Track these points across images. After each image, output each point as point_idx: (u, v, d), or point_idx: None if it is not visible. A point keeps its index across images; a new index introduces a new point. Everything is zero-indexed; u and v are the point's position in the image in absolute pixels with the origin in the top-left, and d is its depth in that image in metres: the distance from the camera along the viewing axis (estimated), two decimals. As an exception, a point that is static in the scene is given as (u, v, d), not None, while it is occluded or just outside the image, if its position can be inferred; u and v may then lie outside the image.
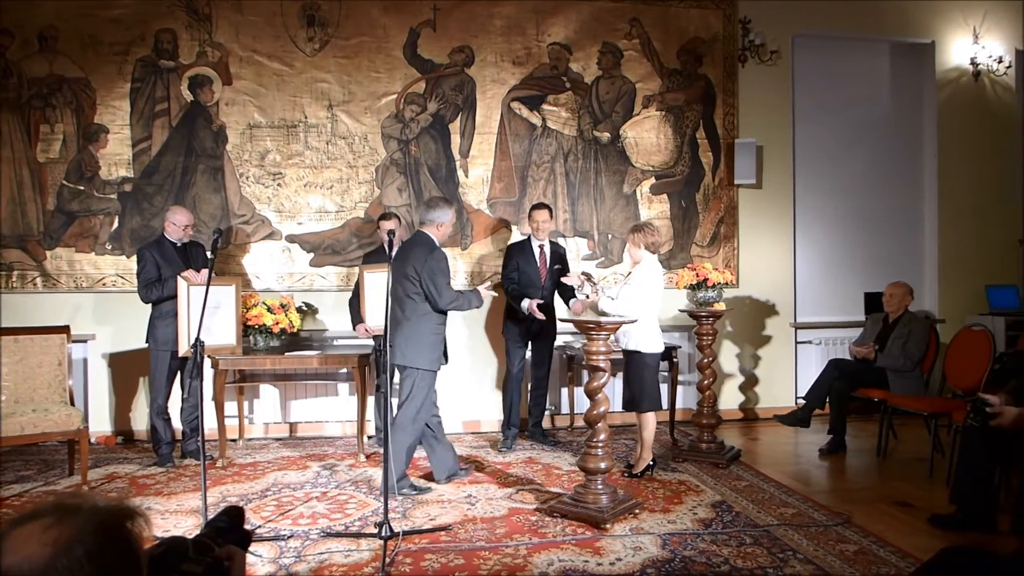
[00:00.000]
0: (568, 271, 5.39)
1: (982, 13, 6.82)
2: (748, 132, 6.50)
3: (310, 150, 5.90)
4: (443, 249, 4.38)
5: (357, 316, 5.26)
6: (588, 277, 4.58)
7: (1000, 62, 6.78)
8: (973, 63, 6.81)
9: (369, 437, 5.53)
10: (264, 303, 5.22)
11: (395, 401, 4.67)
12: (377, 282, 5.03)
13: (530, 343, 5.45)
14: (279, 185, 5.87)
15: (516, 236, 6.04)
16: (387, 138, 5.99)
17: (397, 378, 5.47)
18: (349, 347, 5.53)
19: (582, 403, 5.94)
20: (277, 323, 5.13)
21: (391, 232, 4.56)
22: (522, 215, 6.10)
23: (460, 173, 6.12)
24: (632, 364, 4.67)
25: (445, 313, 4.37)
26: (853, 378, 5.31)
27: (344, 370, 5.63)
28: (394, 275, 4.38)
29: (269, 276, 5.88)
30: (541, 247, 5.42)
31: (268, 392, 5.89)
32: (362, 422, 5.11)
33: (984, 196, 6.84)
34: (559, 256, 5.54)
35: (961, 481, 3.71)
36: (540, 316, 5.09)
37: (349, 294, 5.68)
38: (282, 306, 5.25)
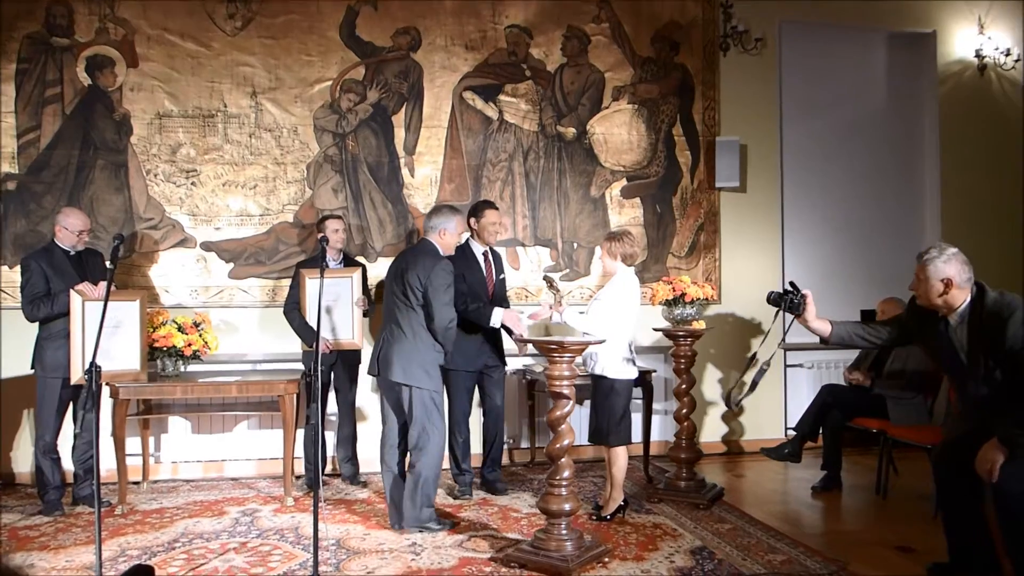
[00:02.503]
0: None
1: (988, 2, 6.99)
2: (730, 129, 6.56)
3: (230, 144, 5.88)
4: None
5: (308, 329, 5.23)
6: (550, 283, 4.61)
7: (1008, 55, 6.93)
8: (978, 55, 6.95)
9: (298, 477, 5.47)
10: (174, 321, 5.16)
11: (400, 425, 4.58)
12: (336, 290, 5.16)
13: (482, 372, 5.25)
14: (193, 184, 5.83)
15: None
16: (320, 131, 5.98)
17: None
18: (275, 372, 5.51)
19: (544, 435, 6.02)
20: (189, 345, 5.09)
21: (324, 239, 4.60)
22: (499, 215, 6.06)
23: (404, 172, 6.11)
24: (599, 391, 4.67)
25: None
26: (849, 406, 5.35)
27: (269, 399, 5.49)
28: (390, 284, 4.52)
29: (180, 290, 5.82)
30: (485, 253, 5.29)
31: (178, 426, 5.82)
32: (290, 460, 5.07)
33: (990, 201, 6.95)
34: (501, 264, 5.46)
35: (948, 524, 3.70)
36: (521, 332, 4.91)
37: (275, 310, 5.65)
38: (196, 325, 5.20)
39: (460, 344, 4.85)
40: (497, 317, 4.95)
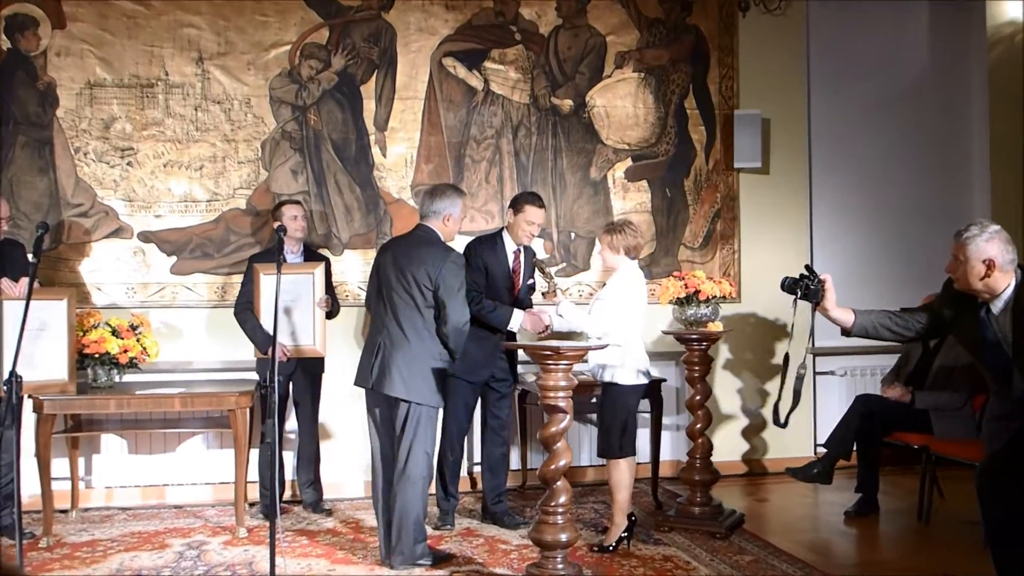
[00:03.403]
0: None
1: (1045, -46, 7.11)
2: (751, 101, 6.55)
3: (172, 118, 5.87)
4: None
5: (263, 333, 5.21)
6: (541, 269, 4.65)
7: (1066, 16, 7.05)
8: (1033, 16, 6.97)
9: (252, 505, 5.48)
10: (108, 324, 5.14)
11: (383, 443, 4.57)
12: (296, 288, 5.13)
13: (489, 385, 5.28)
14: (130, 164, 5.81)
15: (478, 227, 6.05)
16: (277, 103, 5.97)
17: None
18: (225, 383, 5.49)
19: (538, 455, 6.00)
20: (125, 351, 5.07)
21: (281, 229, 4.56)
22: (483, 204, 6.18)
23: (375, 151, 6.11)
24: (607, 401, 4.73)
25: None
26: (887, 419, 5.35)
27: (217, 414, 5.52)
28: (387, 280, 4.48)
29: (115, 287, 5.80)
30: (517, 252, 5.28)
31: (112, 445, 5.79)
32: (242, 484, 5.06)
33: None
34: (532, 266, 5.40)
35: (996, 553, 3.63)
36: (545, 326, 4.97)
37: (225, 311, 5.63)
38: (133, 328, 5.19)
39: (467, 349, 4.84)
40: (517, 320, 5.00)
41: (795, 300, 3.86)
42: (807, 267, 3.86)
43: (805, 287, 3.78)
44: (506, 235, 5.26)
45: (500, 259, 5.20)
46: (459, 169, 6.23)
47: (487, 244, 5.22)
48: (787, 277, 3.87)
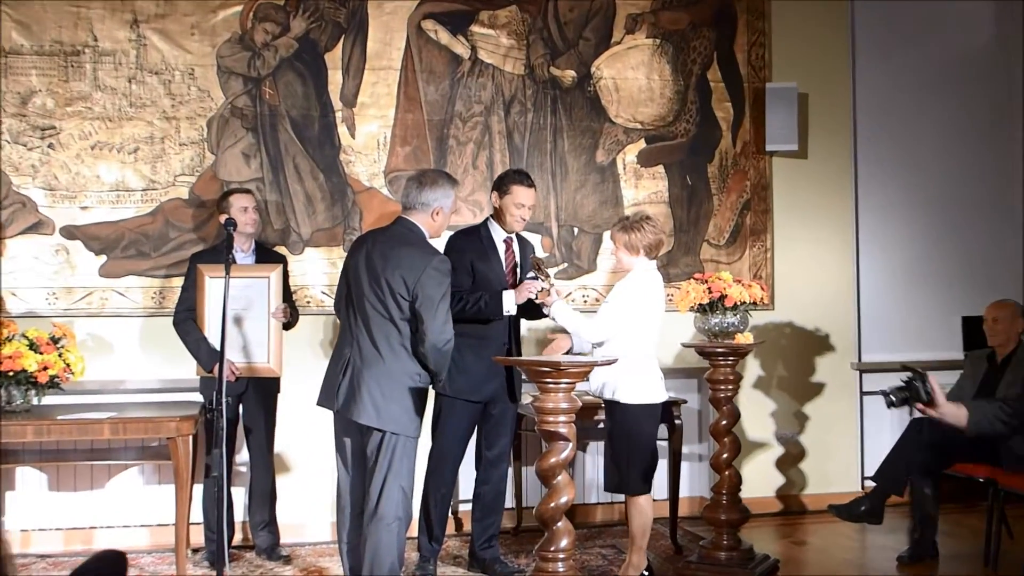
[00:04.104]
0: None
1: None
2: (786, 72, 6.56)
3: (102, 92, 5.83)
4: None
5: (208, 347, 5.18)
6: (538, 266, 4.65)
7: None
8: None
9: (196, 551, 5.47)
10: (24, 336, 5.05)
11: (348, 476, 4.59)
12: (247, 294, 5.11)
13: (486, 406, 5.21)
14: (51, 147, 5.77)
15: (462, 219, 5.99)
16: (226, 74, 5.94)
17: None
18: (163, 406, 5.43)
19: (535, 490, 5.97)
20: (45, 368, 4.97)
21: (230, 223, 4.58)
22: (469, 193, 6.18)
23: (342, 131, 6.08)
24: (614, 424, 4.73)
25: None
26: (947, 447, 5.27)
27: (155, 443, 5.54)
28: (356, 282, 4.41)
29: (33, 292, 5.76)
30: (508, 241, 5.27)
31: (30, 480, 5.75)
32: (184, 527, 5.02)
33: None
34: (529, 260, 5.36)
35: None
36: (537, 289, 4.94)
37: (164, 321, 5.55)
38: (54, 340, 5.11)
39: (465, 362, 4.88)
40: (511, 300, 4.95)
41: (902, 405, 3.74)
42: (908, 368, 3.76)
43: (916, 391, 3.66)
44: (492, 224, 5.21)
45: (489, 254, 5.15)
46: (441, 152, 6.18)
47: (471, 238, 5.16)
48: (891, 390, 3.76)
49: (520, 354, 5.30)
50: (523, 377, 5.21)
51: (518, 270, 5.23)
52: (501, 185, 5.16)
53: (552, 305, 4.67)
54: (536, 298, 4.69)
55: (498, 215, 5.17)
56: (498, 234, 5.19)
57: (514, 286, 5.09)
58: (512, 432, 5.38)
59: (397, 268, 4.26)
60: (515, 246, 5.25)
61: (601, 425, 5.27)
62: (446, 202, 4.47)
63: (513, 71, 6.27)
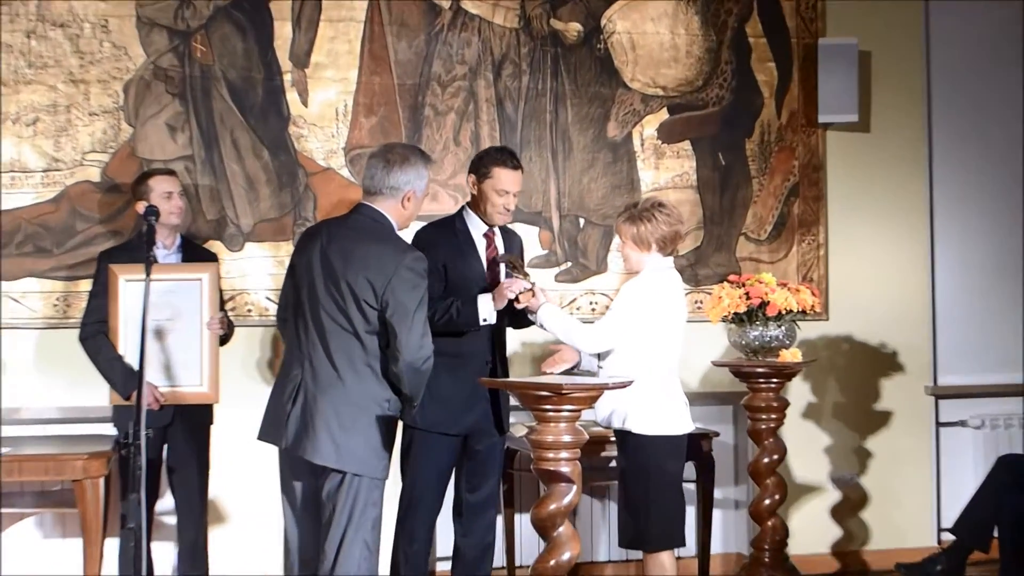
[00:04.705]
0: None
1: None
2: (844, 26, 6.44)
3: (-9, 48, 5.74)
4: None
5: (124, 368, 5.06)
6: (514, 266, 4.69)
7: None
8: None
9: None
10: None
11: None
12: (173, 301, 5.01)
13: (466, 440, 5.21)
14: (-74, 117, 5.69)
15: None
16: (147, 28, 5.84)
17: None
18: (68, 440, 5.34)
19: (531, 544, 5.72)
20: (-87, 394, 4.83)
21: (151, 212, 4.53)
22: (450, 176, 6.12)
23: (291, 98, 5.97)
24: (628, 460, 4.64)
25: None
26: (1045, 493, 5.26)
27: (57, 487, 5.42)
28: (308, 286, 4.34)
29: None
30: (489, 236, 5.16)
31: None
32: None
33: None
34: (517, 253, 5.29)
35: None
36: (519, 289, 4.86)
37: (68, 334, 5.45)
38: (-74, 359, 5.00)
39: (439, 386, 4.75)
40: (487, 305, 4.83)
41: None
42: None
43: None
44: (469, 214, 5.10)
45: (465, 252, 5.05)
46: (415, 124, 6.06)
47: (443, 232, 5.05)
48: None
49: (507, 373, 5.21)
50: (512, 403, 5.22)
51: (502, 272, 5.12)
52: (479, 166, 5.04)
53: (540, 308, 4.59)
54: (518, 301, 4.61)
55: (476, 203, 5.08)
56: (476, 227, 5.08)
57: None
58: (500, 472, 5.29)
59: (362, 269, 4.17)
60: (498, 241, 5.13)
61: (613, 463, 5.19)
62: (419, 185, 4.37)
63: (505, 24, 6.16)
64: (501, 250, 5.13)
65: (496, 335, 5.09)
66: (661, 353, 4.66)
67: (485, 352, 5.02)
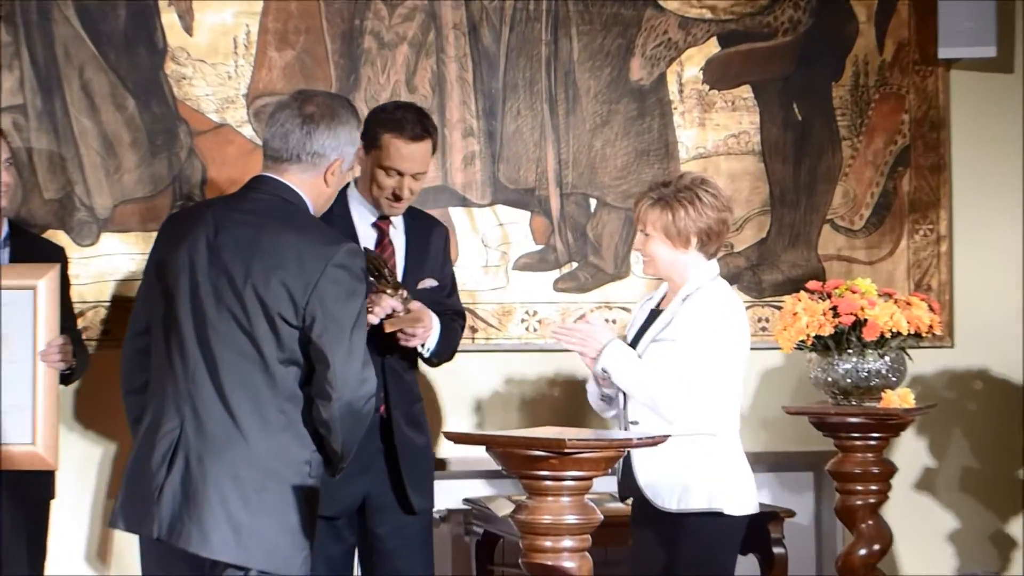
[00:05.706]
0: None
1: None
2: None
3: None
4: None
5: None
6: (376, 265, 4.54)
7: None
8: None
9: None
10: None
11: None
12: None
13: (362, 522, 5.10)
14: None
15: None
16: None
17: None
18: None
19: None
20: None
21: None
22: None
23: (170, 21, 5.70)
24: (676, 551, 4.38)
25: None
26: None
27: None
28: (190, 290, 4.06)
29: None
30: (382, 226, 4.93)
31: None
32: None
33: None
34: (437, 254, 5.11)
35: None
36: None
37: None
38: None
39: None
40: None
41: None
42: None
43: None
44: (354, 195, 4.89)
45: None
46: (351, 63, 5.70)
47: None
48: None
49: (416, 421, 5.14)
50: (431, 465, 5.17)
51: (401, 273, 4.97)
52: (366, 129, 4.82)
53: (606, 347, 4.33)
54: (384, 326, 4.43)
55: (361, 183, 5.01)
56: (363, 214, 4.95)
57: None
58: (429, 565, 5.13)
59: (274, 269, 3.85)
60: (396, 237, 4.99)
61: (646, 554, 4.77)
62: (348, 152, 4.08)
63: (484, -75, 5.46)
64: (400, 248, 4.95)
65: (387, 370, 5.03)
66: (733, 400, 4.43)
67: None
